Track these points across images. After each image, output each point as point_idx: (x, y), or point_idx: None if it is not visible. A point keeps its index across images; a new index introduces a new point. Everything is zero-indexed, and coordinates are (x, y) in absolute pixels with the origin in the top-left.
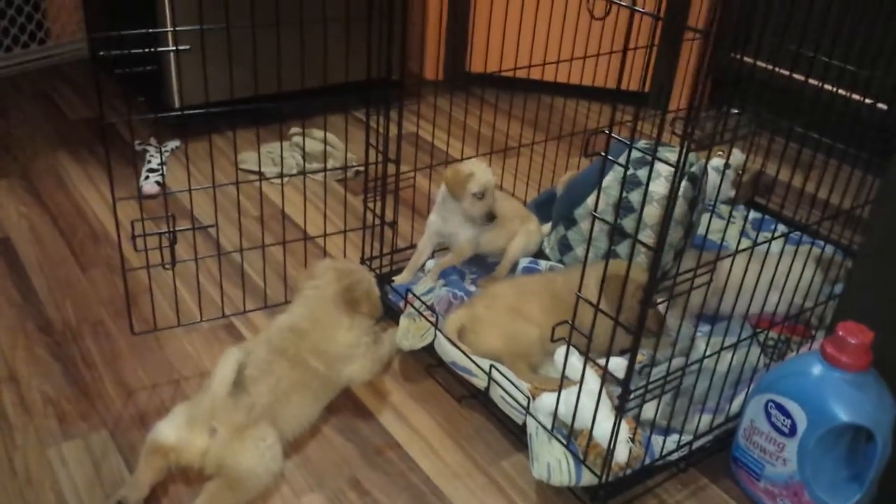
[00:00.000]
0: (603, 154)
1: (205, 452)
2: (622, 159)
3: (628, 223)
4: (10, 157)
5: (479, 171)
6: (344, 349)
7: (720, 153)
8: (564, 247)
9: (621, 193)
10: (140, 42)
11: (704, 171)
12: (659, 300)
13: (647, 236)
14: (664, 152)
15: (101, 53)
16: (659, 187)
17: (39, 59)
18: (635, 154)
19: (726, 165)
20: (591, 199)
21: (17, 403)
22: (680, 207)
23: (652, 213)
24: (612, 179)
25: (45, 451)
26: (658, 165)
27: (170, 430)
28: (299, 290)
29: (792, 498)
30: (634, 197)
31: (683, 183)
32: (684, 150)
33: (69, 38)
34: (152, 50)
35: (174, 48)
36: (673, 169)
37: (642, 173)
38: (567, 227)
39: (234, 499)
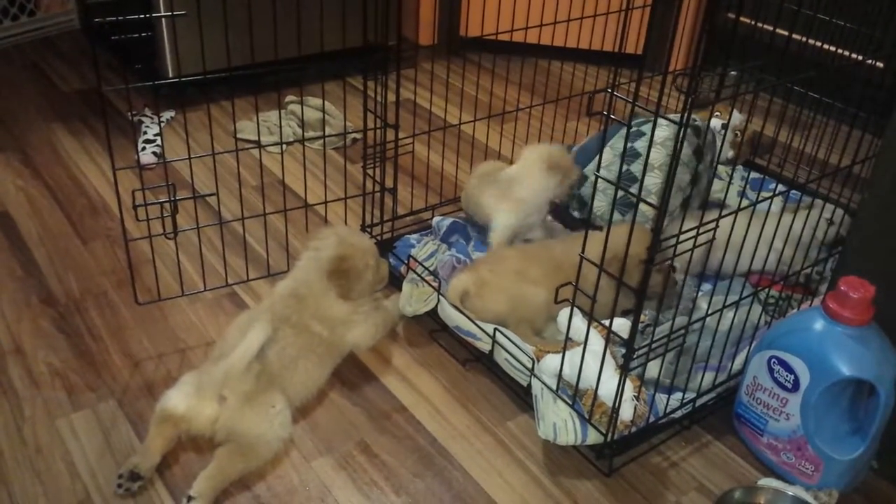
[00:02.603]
0: (605, 113)
1: (214, 420)
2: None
3: (636, 167)
4: (4, 131)
5: None
6: (343, 315)
7: (718, 114)
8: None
9: (626, 145)
10: (134, 8)
11: (708, 126)
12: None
13: (654, 176)
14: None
15: (97, 20)
16: (662, 131)
17: (30, 32)
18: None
19: (725, 126)
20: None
21: (25, 375)
22: (684, 152)
23: (655, 156)
24: (616, 140)
25: (55, 421)
26: (661, 121)
27: (179, 399)
28: (302, 251)
29: (795, 452)
30: (639, 144)
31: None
32: (688, 105)
33: (59, 9)
34: (148, 16)
35: (170, 13)
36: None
37: (645, 127)
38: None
39: (245, 465)
